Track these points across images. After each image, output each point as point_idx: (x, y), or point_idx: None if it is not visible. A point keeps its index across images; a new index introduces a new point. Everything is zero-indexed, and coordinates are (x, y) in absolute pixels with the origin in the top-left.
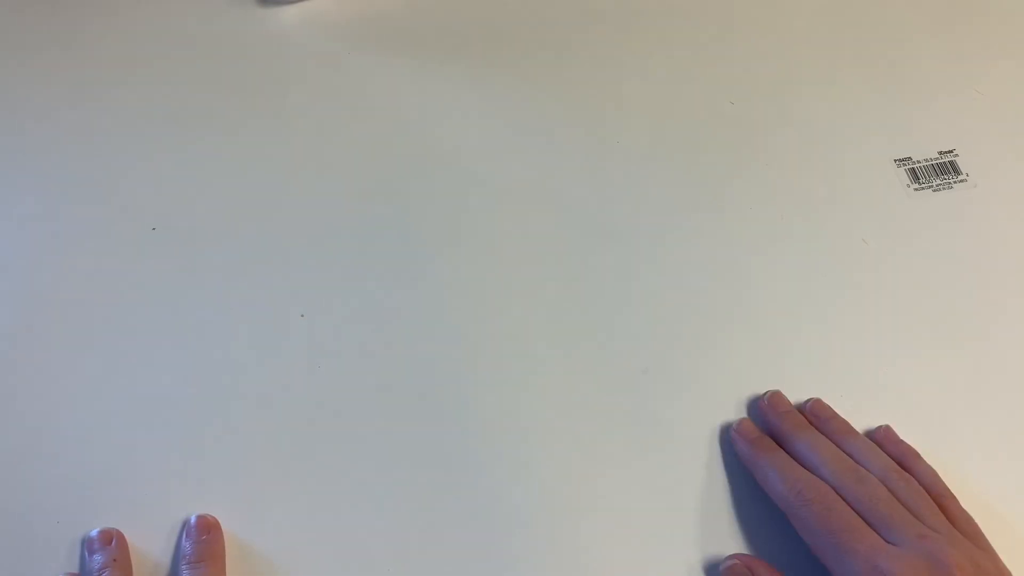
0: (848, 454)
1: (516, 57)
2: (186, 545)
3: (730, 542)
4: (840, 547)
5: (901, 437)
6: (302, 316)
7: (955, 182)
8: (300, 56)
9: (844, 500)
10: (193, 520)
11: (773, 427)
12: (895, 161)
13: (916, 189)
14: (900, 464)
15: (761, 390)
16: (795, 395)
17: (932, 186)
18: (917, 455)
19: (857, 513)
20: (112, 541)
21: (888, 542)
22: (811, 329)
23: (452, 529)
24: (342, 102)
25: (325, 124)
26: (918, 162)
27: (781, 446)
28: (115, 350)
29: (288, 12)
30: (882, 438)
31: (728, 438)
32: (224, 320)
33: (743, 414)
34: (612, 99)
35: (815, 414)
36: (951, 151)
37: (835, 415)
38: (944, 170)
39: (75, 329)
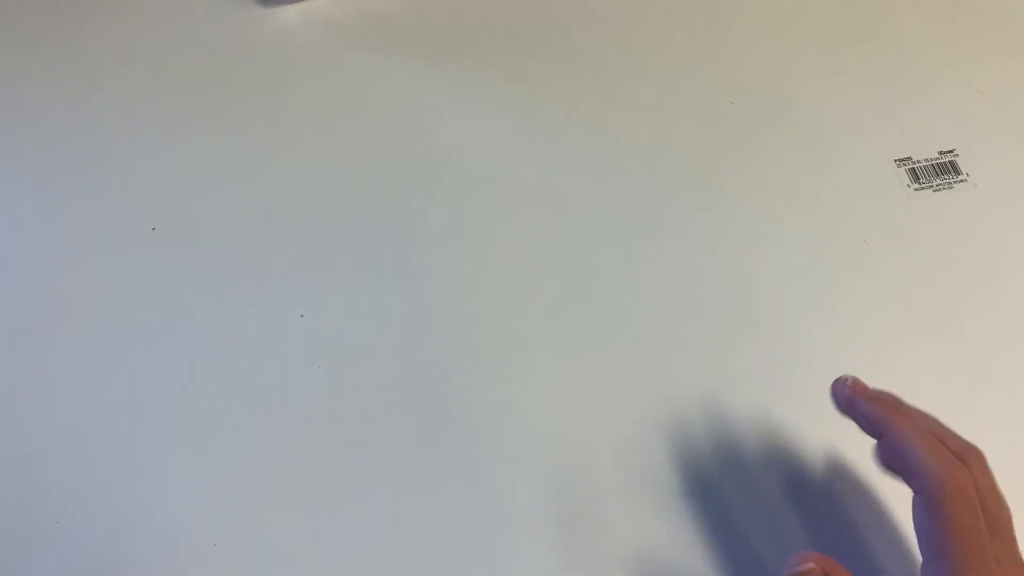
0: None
1: (516, 57)
2: None
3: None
4: (962, 561)
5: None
6: (302, 316)
7: (955, 182)
8: (300, 56)
9: None
10: None
11: (866, 414)
12: (895, 161)
13: (916, 189)
14: None
15: (761, 388)
16: (795, 394)
17: (932, 186)
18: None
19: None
20: None
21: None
22: (811, 329)
23: (452, 529)
24: (342, 102)
25: (325, 124)
26: (918, 162)
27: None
28: (115, 350)
29: (288, 12)
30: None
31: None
32: (224, 320)
33: (743, 413)
34: (612, 99)
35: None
36: (951, 151)
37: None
38: (944, 170)
39: (75, 329)
